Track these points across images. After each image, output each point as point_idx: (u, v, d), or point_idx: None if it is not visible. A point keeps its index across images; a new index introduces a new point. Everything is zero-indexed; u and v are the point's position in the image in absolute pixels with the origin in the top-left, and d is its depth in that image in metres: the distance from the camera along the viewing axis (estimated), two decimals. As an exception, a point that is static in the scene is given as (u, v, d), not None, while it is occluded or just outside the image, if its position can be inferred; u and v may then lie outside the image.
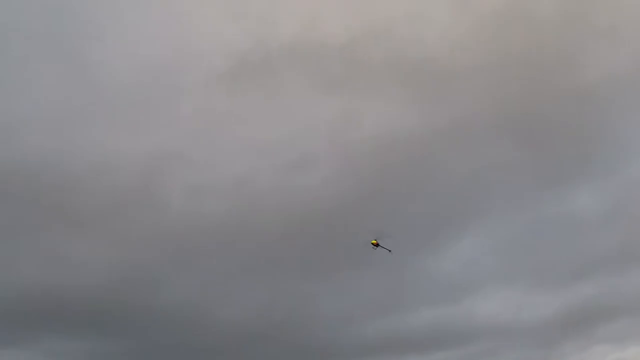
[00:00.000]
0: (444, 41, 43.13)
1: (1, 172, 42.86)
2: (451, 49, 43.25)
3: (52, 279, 44.74)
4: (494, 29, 44.54)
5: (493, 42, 44.71)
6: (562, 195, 47.21)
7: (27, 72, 43.89)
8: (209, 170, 42.92)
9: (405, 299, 47.63)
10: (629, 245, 46.18)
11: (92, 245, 44.64)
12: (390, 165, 43.33)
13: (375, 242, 37.63)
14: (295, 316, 46.73)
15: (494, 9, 44.19)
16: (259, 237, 43.65)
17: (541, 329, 47.51)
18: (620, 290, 46.70)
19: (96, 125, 43.70)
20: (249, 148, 42.66)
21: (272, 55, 41.69)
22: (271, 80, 41.97)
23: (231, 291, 46.07)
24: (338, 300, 46.92)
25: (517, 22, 44.89)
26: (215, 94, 42.08)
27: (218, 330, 45.89)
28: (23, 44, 43.67)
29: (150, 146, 42.79)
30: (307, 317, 46.77)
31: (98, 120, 43.69)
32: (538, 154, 46.37)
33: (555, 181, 46.95)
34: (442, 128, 43.58)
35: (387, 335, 46.97)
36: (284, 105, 41.96)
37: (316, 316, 46.79)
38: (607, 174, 47.70)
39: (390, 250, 37.94)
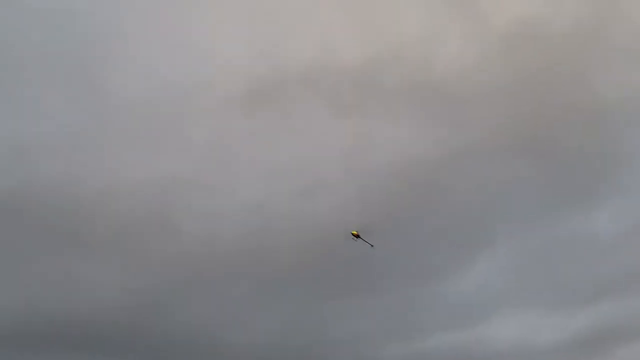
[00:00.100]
0: (456, 64, 43.28)
1: (13, 196, 43.04)
2: (464, 71, 43.35)
3: (63, 302, 44.62)
4: (506, 50, 44.72)
5: (505, 63, 44.81)
6: (577, 216, 46.81)
7: (39, 97, 44.20)
8: (223, 195, 42.87)
9: (419, 324, 47.00)
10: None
11: (104, 270, 44.54)
12: (403, 189, 43.13)
13: (355, 232, 36.49)
14: (308, 340, 46.22)
15: (505, 30, 44.36)
16: (272, 261, 43.42)
17: (559, 351, 46.71)
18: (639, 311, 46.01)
19: (109, 150, 43.84)
20: (262, 173, 42.59)
21: (286, 80, 41.90)
22: (285, 104, 42.09)
23: (244, 315, 45.73)
24: (351, 325, 46.42)
25: (529, 43, 45.02)
26: (229, 119, 42.24)
27: (230, 354, 45.47)
28: (35, 69, 44.02)
29: (163, 171, 42.85)
30: (320, 342, 46.24)
31: (111, 145, 43.85)
32: (553, 175, 46.09)
33: (571, 202, 46.59)
34: (455, 151, 43.53)
35: (401, 360, 46.37)
36: (298, 129, 41.97)
37: (329, 341, 46.27)
38: (623, 193, 47.31)
39: (372, 245, 36.79)
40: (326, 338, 45.79)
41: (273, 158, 42.63)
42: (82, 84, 43.96)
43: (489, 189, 44.88)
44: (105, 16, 42.74)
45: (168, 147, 43.21)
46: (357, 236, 36.41)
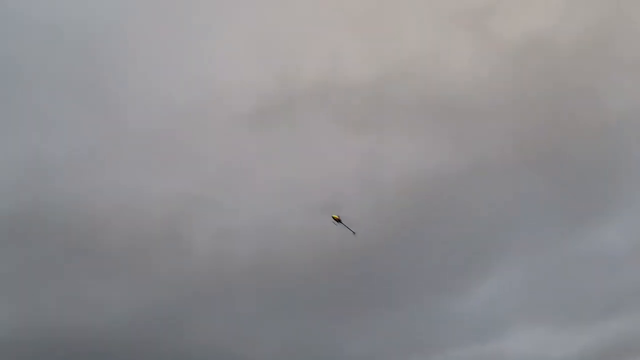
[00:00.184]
0: (467, 80, 43.48)
1: (28, 213, 43.23)
2: (475, 87, 43.55)
3: (76, 320, 44.52)
4: (516, 65, 44.98)
5: (515, 78, 45.02)
6: (588, 232, 46.66)
7: (53, 116, 44.54)
8: (235, 212, 42.91)
9: (432, 339, 46.75)
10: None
11: (116, 286, 44.51)
12: (416, 205, 43.17)
13: (337, 217, 36.14)
14: (320, 357, 46.03)
15: (515, 46, 44.71)
16: (284, 278, 43.35)
17: (570, 366, 46.49)
18: (651, 327, 45.78)
19: (122, 168, 44.02)
20: (274, 190, 42.61)
21: (298, 97, 42.14)
22: (298, 121, 42.27)
23: (255, 332, 45.51)
24: (364, 341, 46.21)
25: (539, 58, 45.32)
26: (241, 136, 42.44)
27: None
28: (51, 90, 44.40)
29: (175, 189, 42.89)
30: (333, 358, 46.06)
31: (124, 163, 44.05)
32: (564, 191, 46.01)
33: (582, 217, 46.46)
34: (467, 166, 43.62)
35: (413, 377, 46.13)
36: (309, 147, 42.10)
37: (342, 357, 46.06)
38: (634, 208, 47.25)
39: (354, 233, 36.47)
40: (339, 354, 45.60)
41: (284, 175, 42.74)
42: (96, 103, 44.34)
43: (500, 204, 44.90)
44: (119, 38, 43.16)
45: (180, 166, 43.41)
46: (338, 220, 35.97)
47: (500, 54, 43.87)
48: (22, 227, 43.06)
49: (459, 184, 43.86)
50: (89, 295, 44.17)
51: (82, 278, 44.22)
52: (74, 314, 44.09)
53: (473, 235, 44.99)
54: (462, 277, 45.78)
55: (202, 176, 43.22)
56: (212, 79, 43.97)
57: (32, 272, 43.48)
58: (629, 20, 45.68)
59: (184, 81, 43.84)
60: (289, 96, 42.29)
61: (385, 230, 43.61)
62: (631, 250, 46.72)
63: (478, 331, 46.60)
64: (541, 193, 45.30)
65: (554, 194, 45.64)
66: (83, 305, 44.24)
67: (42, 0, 43.96)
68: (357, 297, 44.38)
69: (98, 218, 43.46)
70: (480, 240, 45.19)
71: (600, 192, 46.73)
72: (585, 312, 47.24)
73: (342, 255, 43.02)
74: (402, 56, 42.81)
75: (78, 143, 43.91)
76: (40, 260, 43.48)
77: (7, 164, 43.49)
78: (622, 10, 44.77)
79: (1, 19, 43.66)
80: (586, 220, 46.55)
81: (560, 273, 46.82)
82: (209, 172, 43.26)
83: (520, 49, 43.96)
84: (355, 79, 42.42)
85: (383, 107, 43.09)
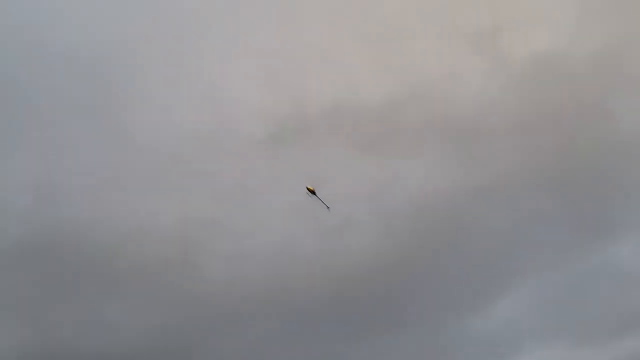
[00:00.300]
0: (479, 99, 43.44)
1: (39, 238, 43.44)
2: (487, 106, 43.51)
3: (88, 342, 44.66)
4: (527, 85, 44.89)
5: (526, 98, 44.94)
6: (604, 248, 46.48)
7: (64, 141, 44.74)
8: (248, 236, 42.90)
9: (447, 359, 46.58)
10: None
11: (129, 310, 44.63)
12: (429, 226, 43.16)
13: (311, 188, 35.63)
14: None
15: (526, 65, 44.62)
16: (297, 302, 43.33)
17: (585, 386, 46.13)
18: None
19: (134, 192, 44.08)
20: (287, 213, 42.60)
21: (310, 119, 42.19)
22: (310, 144, 42.30)
23: (268, 356, 45.45)
24: (378, 362, 46.03)
25: (550, 77, 45.20)
26: (253, 160, 42.49)
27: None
28: (61, 113, 44.62)
29: (188, 213, 42.96)
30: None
31: (136, 187, 44.10)
32: (578, 208, 45.85)
33: (597, 234, 46.30)
34: (480, 186, 43.48)
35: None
36: (323, 169, 42.08)
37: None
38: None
39: (328, 208, 36.01)
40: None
41: (296, 199, 42.65)
42: (107, 127, 44.49)
43: (513, 224, 44.78)
44: (131, 62, 43.34)
45: (192, 189, 43.42)
46: (313, 193, 35.57)
47: (511, 73, 43.83)
48: (34, 251, 43.30)
49: (472, 204, 43.84)
50: (101, 318, 44.27)
51: (93, 302, 44.35)
52: (85, 337, 44.13)
53: (487, 255, 44.90)
54: (476, 298, 45.66)
55: (214, 199, 43.23)
56: (223, 102, 44.13)
57: (44, 296, 43.64)
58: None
59: (196, 105, 44.00)
60: (301, 119, 42.37)
61: (398, 251, 43.63)
62: (644, 268, 46.62)
63: (493, 350, 46.40)
64: (556, 211, 45.20)
65: (567, 212, 45.54)
66: (94, 329, 44.33)
67: (52, 24, 44.15)
68: (370, 319, 44.28)
69: (110, 242, 43.58)
70: (495, 259, 45.11)
71: (614, 209, 46.56)
72: (603, 330, 46.92)
73: (354, 278, 43.05)
74: (413, 78, 42.81)
75: (90, 167, 44.08)
76: (51, 284, 43.65)
77: (19, 188, 43.76)
78: (634, 28, 44.63)
79: (12, 44, 44.01)
80: (602, 237, 46.38)
81: (576, 291, 46.58)
82: (221, 196, 43.28)
83: (531, 68, 43.93)
84: (366, 101, 42.47)
85: (394, 129, 43.12)
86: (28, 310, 43.58)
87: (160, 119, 44.14)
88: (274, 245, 42.96)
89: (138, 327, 44.30)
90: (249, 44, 44.14)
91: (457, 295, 45.49)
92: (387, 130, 43.13)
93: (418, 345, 45.12)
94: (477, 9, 43.82)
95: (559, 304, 46.21)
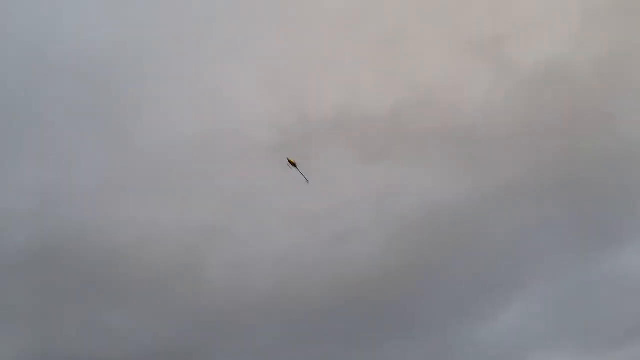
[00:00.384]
0: (483, 108, 43.36)
1: (42, 247, 43.25)
2: (491, 115, 43.39)
3: (92, 351, 44.40)
4: (533, 93, 44.83)
5: (532, 106, 44.89)
6: (609, 256, 46.25)
7: (67, 148, 44.62)
8: (252, 244, 42.79)
9: (452, 370, 46.29)
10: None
11: (133, 319, 44.37)
12: (435, 234, 43.03)
13: (292, 161, 35.62)
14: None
15: (531, 73, 44.57)
16: (302, 310, 43.07)
17: (592, 395, 45.86)
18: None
19: (138, 200, 43.92)
20: (292, 221, 42.45)
21: (314, 127, 42.04)
22: (313, 152, 42.09)
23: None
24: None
25: (555, 85, 45.16)
26: (257, 168, 42.31)
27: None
28: (63, 121, 44.52)
29: (192, 221, 42.86)
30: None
31: (139, 195, 43.95)
32: (583, 216, 45.71)
33: (602, 242, 46.13)
34: (485, 195, 43.32)
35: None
36: (328, 177, 41.95)
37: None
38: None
39: (307, 181, 36.07)
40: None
41: (302, 206, 42.56)
42: (110, 133, 44.39)
43: (519, 232, 44.60)
44: (131, 67, 43.22)
45: (197, 197, 43.25)
46: (294, 165, 35.64)
47: (516, 81, 43.77)
48: (38, 258, 43.15)
49: (478, 212, 43.67)
50: (104, 327, 44.05)
51: (97, 310, 44.15)
52: (89, 345, 43.92)
53: (493, 263, 44.73)
54: (482, 305, 45.44)
55: (218, 207, 43.10)
56: (227, 109, 44.01)
57: (48, 304, 43.48)
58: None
59: (200, 112, 43.90)
60: (304, 127, 42.22)
61: (403, 259, 43.45)
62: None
63: (499, 358, 46.18)
64: (560, 219, 45.03)
65: (573, 220, 45.37)
66: (96, 336, 44.13)
67: (53, 29, 44.12)
68: (375, 327, 44.06)
69: (113, 250, 43.43)
70: (500, 268, 44.95)
71: (619, 216, 46.42)
72: (609, 337, 46.65)
73: (359, 286, 42.86)
74: (417, 86, 42.75)
75: (95, 176, 43.94)
76: (55, 291, 43.48)
77: (22, 195, 43.62)
78: (638, 34, 44.64)
79: (13, 49, 43.95)
80: (607, 245, 46.21)
81: (581, 299, 46.36)
82: (225, 204, 43.15)
83: (536, 77, 43.88)
84: (371, 109, 42.37)
85: (399, 137, 43.04)
86: (29, 317, 43.40)
87: (164, 126, 44.03)
88: (277, 253, 42.84)
89: (141, 334, 44.09)
90: (253, 51, 44.06)
91: (462, 302, 45.32)
92: (392, 138, 43.09)
93: (424, 353, 44.90)
94: (481, 17, 43.84)
95: (566, 311, 45.99)
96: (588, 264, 46.41)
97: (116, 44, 42.64)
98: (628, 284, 47.22)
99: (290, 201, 42.34)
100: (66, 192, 43.59)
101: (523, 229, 44.94)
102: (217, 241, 43.16)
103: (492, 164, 43.78)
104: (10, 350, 41.95)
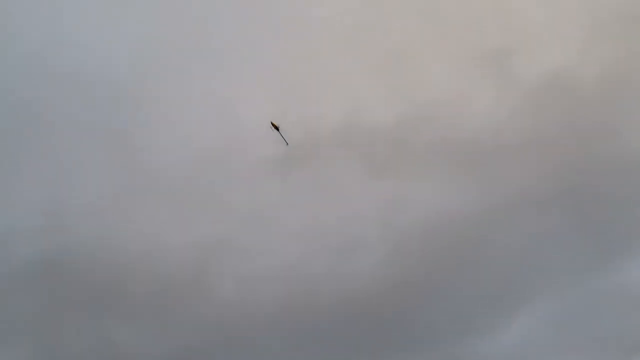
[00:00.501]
0: (489, 120, 43.54)
1: (49, 260, 43.34)
2: (496, 127, 43.58)
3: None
4: (537, 105, 44.98)
5: (536, 118, 45.04)
6: (617, 268, 46.07)
7: (74, 162, 44.86)
8: (259, 257, 42.80)
9: (458, 383, 46.09)
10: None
11: (140, 333, 44.36)
12: (440, 247, 43.01)
13: (275, 124, 36.05)
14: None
15: (536, 85, 44.76)
16: (308, 323, 43.01)
17: (599, 407, 45.62)
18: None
19: (145, 213, 44.06)
20: (299, 234, 42.51)
21: (320, 141, 42.28)
22: (319, 165, 42.33)
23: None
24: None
25: (560, 97, 45.30)
26: (264, 181, 42.52)
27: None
28: (70, 134, 44.80)
29: (199, 234, 42.94)
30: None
31: (147, 208, 44.09)
32: (590, 229, 45.60)
33: (610, 254, 45.95)
34: (490, 207, 43.36)
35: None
36: (334, 190, 42.11)
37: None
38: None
39: (287, 144, 36.49)
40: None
41: (308, 219, 42.66)
42: (118, 148, 44.60)
43: (525, 244, 44.54)
44: (142, 84, 43.49)
45: (204, 211, 43.38)
46: (276, 128, 36.19)
47: (521, 94, 43.93)
48: (44, 273, 43.22)
49: (483, 224, 43.63)
50: (111, 341, 44.00)
51: (103, 324, 44.12)
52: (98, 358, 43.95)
53: (499, 276, 44.61)
54: (488, 318, 45.25)
55: (226, 221, 43.19)
56: (233, 123, 44.25)
57: (54, 318, 43.46)
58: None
59: (207, 126, 44.09)
60: (311, 140, 42.44)
61: (409, 272, 43.41)
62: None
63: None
64: (566, 232, 44.91)
65: (580, 232, 45.25)
66: (104, 351, 44.04)
67: (60, 45, 44.46)
68: (380, 340, 43.90)
69: (121, 264, 43.50)
70: (507, 280, 44.80)
71: (626, 227, 46.23)
72: (617, 349, 46.42)
73: (365, 299, 42.82)
74: (423, 99, 42.96)
75: (100, 189, 44.11)
76: (61, 306, 43.48)
77: (29, 209, 43.78)
78: (643, 47, 44.86)
79: (20, 65, 44.24)
80: (614, 256, 46.05)
81: (588, 311, 46.11)
82: (232, 217, 43.25)
83: (541, 89, 44.06)
84: (377, 122, 42.58)
85: (405, 150, 43.20)
86: (35, 332, 43.36)
87: (170, 141, 44.28)
88: (285, 267, 42.82)
89: (147, 348, 43.97)
90: (260, 66, 44.41)
91: (468, 315, 45.14)
92: (397, 152, 43.24)
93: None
94: (486, 30, 44.12)
95: (573, 324, 45.71)
96: (595, 277, 46.26)
97: (123, 60, 43.06)
98: (636, 297, 47.21)
99: (296, 215, 42.49)
100: (73, 206, 43.82)
101: (529, 242, 44.90)
102: (223, 255, 43.26)
103: (498, 177, 43.88)
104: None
